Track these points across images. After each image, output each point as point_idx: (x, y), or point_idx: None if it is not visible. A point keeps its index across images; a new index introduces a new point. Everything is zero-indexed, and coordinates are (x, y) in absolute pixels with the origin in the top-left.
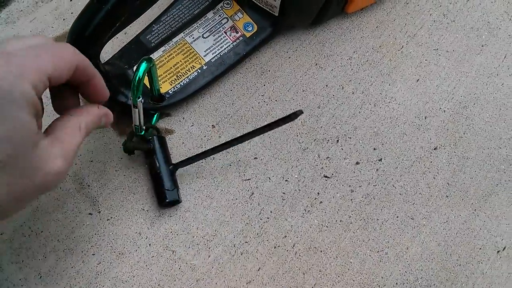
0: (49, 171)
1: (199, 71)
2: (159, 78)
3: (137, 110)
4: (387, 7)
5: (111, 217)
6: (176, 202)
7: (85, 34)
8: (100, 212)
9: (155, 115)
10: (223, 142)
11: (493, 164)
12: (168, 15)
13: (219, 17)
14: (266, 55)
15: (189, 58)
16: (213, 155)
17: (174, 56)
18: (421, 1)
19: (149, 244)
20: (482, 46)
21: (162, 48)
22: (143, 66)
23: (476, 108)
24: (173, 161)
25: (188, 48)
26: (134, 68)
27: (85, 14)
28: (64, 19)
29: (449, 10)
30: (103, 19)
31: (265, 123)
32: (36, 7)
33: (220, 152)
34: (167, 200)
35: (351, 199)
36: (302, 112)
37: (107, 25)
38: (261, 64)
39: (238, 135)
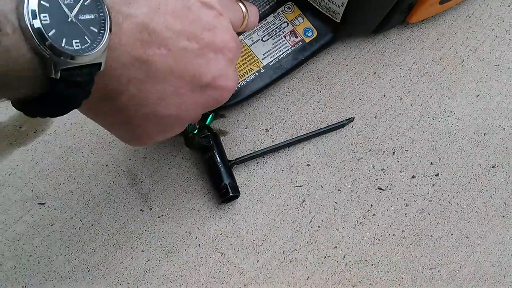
0: None
1: (257, 74)
2: None
3: None
4: (449, 19)
5: (162, 215)
6: (236, 197)
7: None
8: (151, 209)
9: (210, 116)
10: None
11: None
12: None
13: (279, 21)
14: (324, 61)
15: (247, 61)
16: (265, 160)
17: None
18: (484, 15)
19: (199, 245)
20: None
21: None
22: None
23: None
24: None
25: (247, 51)
26: None
27: None
28: None
29: None
30: None
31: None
32: None
33: (273, 157)
34: (230, 194)
35: (405, 214)
36: (353, 119)
37: None
38: (318, 70)
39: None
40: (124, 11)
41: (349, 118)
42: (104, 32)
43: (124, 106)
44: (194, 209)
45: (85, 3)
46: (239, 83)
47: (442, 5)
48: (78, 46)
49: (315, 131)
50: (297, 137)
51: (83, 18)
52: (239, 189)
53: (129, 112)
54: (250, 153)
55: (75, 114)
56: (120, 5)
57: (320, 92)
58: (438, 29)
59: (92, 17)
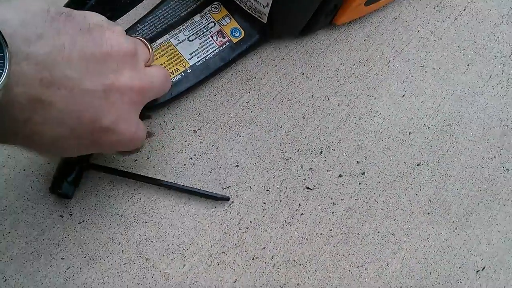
0: None
1: (183, 74)
2: None
3: None
4: (375, 21)
5: (83, 221)
6: (67, 196)
7: None
8: (71, 214)
9: None
10: (142, 175)
11: (475, 183)
12: (153, 15)
13: (206, 20)
14: (253, 62)
15: (173, 61)
16: (193, 161)
17: (157, 58)
18: (409, 17)
19: (122, 251)
20: (468, 65)
21: None
22: None
23: (460, 126)
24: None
25: (173, 50)
26: None
27: (69, 4)
28: None
29: (437, 27)
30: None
31: (249, 130)
32: None
33: (201, 158)
34: (60, 191)
35: (333, 212)
36: (229, 199)
37: None
38: (247, 71)
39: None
40: (24, 50)
41: (225, 197)
42: (3, 71)
43: (19, 143)
44: (118, 214)
45: None
46: None
47: (367, 6)
48: None
49: (188, 187)
50: (167, 182)
51: None
52: (164, 193)
53: (26, 146)
54: (110, 168)
55: None
56: (20, 44)
57: (249, 92)
58: (365, 30)
59: None
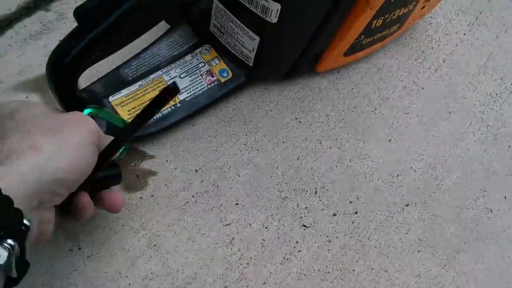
0: None
1: (173, 108)
2: (133, 110)
3: None
4: (361, 71)
5: (92, 255)
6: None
7: (65, 60)
8: (80, 248)
9: (123, 147)
10: None
11: (461, 223)
12: (148, 53)
13: (197, 60)
14: (249, 106)
15: None
16: (195, 199)
17: (149, 91)
18: (393, 68)
19: (129, 284)
20: (450, 112)
21: (139, 83)
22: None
23: (445, 169)
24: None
25: (165, 85)
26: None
27: (67, 40)
28: None
29: (419, 78)
30: (85, 48)
31: (247, 170)
32: (25, 43)
33: (202, 196)
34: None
35: (328, 249)
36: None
37: (88, 53)
38: (243, 115)
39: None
40: None
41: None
42: None
43: None
44: (124, 249)
45: None
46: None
47: (346, 57)
48: None
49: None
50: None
51: None
52: (168, 229)
53: None
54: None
55: None
56: None
57: (246, 135)
58: (352, 79)
59: None
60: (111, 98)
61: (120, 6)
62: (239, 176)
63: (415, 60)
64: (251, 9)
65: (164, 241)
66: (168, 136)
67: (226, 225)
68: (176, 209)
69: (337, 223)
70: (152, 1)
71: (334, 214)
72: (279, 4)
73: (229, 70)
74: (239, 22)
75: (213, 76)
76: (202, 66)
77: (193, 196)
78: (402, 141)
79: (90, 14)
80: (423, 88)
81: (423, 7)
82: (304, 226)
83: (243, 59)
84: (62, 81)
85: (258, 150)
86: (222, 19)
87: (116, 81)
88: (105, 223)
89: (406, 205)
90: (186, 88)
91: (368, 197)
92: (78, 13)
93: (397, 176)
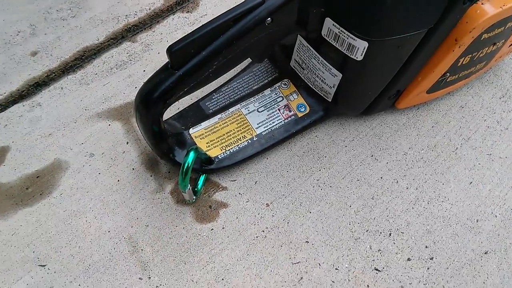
0: None
1: (249, 141)
2: (212, 142)
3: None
4: (443, 109)
5: (161, 284)
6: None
7: (154, 95)
8: (150, 278)
9: (202, 177)
10: None
11: None
12: (228, 86)
13: (275, 95)
14: (324, 142)
15: (242, 128)
16: (265, 234)
17: (228, 124)
18: (476, 106)
19: None
20: None
21: (219, 116)
22: (192, 155)
23: None
24: None
25: (243, 119)
26: (185, 153)
27: (157, 76)
28: (136, 87)
29: (503, 117)
30: (174, 83)
31: (319, 207)
32: (110, 73)
33: (272, 232)
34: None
35: None
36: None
37: (176, 89)
38: (318, 150)
39: (291, 216)
40: None
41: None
42: None
43: None
44: (193, 281)
45: None
46: (231, 148)
47: (429, 94)
48: None
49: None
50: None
51: None
52: (237, 264)
53: None
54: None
55: (82, 180)
56: None
57: (320, 170)
58: (432, 117)
59: None
60: (191, 131)
61: (211, 44)
62: (310, 212)
63: (499, 98)
64: (336, 46)
65: (232, 276)
66: (242, 168)
67: (295, 263)
68: (246, 243)
69: (411, 268)
70: (249, 44)
71: (409, 259)
72: (367, 43)
73: (307, 105)
74: (321, 59)
75: (290, 111)
76: (280, 101)
77: (263, 231)
78: (483, 184)
79: (182, 51)
80: (507, 129)
81: (511, 45)
82: (376, 269)
83: (322, 95)
84: (149, 114)
85: (331, 187)
86: (305, 55)
87: (197, 114)
88: (175, 253)
89: (485, 253)
90: (263, 122)
91: (445, 242)
92: (172, 50)
93: (477, 221)
